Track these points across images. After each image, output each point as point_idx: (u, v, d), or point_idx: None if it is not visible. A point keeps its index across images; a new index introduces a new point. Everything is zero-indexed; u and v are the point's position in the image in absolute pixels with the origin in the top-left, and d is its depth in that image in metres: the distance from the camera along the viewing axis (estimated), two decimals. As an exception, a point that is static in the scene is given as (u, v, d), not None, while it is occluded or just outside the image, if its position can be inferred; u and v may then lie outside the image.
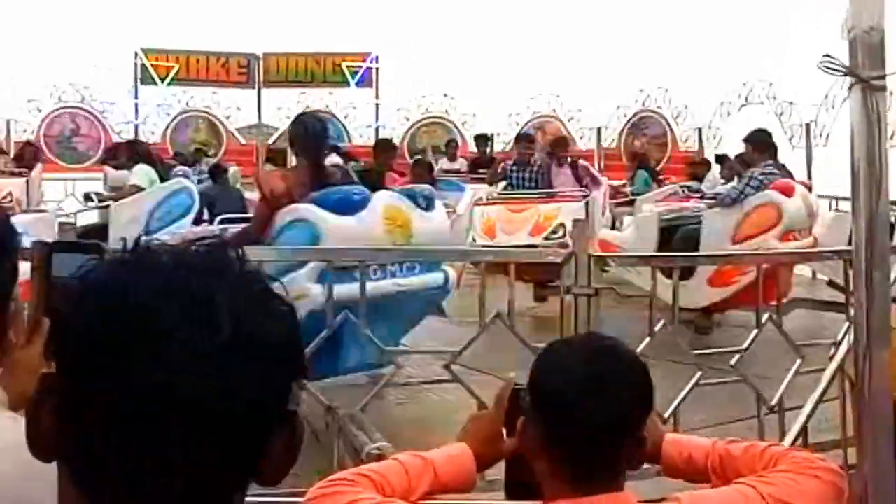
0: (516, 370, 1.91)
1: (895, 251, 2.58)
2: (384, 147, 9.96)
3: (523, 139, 11.47)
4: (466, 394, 4.01)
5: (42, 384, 0.83)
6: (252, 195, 9.13)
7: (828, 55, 2.07)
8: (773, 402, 4.23)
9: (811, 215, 7.93)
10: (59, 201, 11.55)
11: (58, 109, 17.30)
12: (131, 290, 0.79)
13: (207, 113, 17.84)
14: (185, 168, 10.85)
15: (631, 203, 11.21)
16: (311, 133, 5.60)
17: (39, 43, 19.27)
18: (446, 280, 5.54)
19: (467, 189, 10.20)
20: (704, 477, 1.84)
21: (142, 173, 8.33)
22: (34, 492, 1.04)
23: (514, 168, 10.45)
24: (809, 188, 8.75)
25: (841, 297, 5.32)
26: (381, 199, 5.51)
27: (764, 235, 7.53)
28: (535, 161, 10.43)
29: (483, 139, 15.26)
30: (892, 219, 3.29)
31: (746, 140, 8.31)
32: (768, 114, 16.01)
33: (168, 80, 17.47)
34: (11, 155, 14.31)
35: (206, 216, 9.86)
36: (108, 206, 8.12)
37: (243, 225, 5.76)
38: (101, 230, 7.42)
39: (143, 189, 8.21)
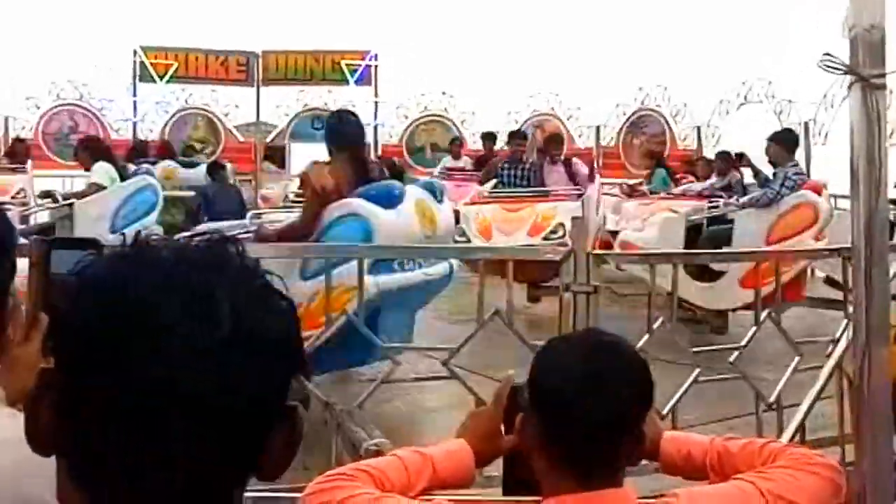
0: (514, 368, 1.91)
1: (894, 249, 2.59)
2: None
3: (516, 136, 11.29)
4: (464, 390, 4.02)
5: (41, 380, 0.83)
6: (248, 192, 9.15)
7: (828, 53, 2.07)
8: (772, 399, 4.23)
9: (832, 214, 7.92)
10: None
11: (56, 107, 17.28)
12: (131, 285, 0.79)
13: (206, 111, 17.83)
14: (149, 166, 10.80)
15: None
16: (352, 129, 5.76)
17: (38, 40, 19.26)
18: (451, 269, 5.77)
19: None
20: (703, 474, 1.84)
21: (102, 171, 8.23)
22: (33, 487, 1.04)
23: (507, 166, 10.37)
24: (825, 187, 8.74)
25: (839, 295, 5.32)
26: (414, 194, 5.73)
27: (800, 236, 7.46)
28: (527, 159, 10.35)
29: (491, 137, 15.00)
30: (892, 217, 3.30)
31: (773, 139, 8.25)
32: (767, 112, 16.00)
33: (167, 77, 17.43)
34: (2, 152, 14.36)
35: (203, 213, 9.85)
36: (72, 204, 8.04)
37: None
38: (48, 231, 7.41)
39: (104, 187, 8.13)
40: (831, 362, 3.73)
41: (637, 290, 6.57)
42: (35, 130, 16.90)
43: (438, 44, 19.42)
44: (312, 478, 1.70)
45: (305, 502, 1.66)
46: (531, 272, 7.17)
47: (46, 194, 9.76)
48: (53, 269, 1.20)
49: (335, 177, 5.37)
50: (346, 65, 17.79)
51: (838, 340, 3.84)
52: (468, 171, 13.50)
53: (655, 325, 4.07)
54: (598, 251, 4.40)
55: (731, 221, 8.14)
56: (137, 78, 17.36)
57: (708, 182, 11.41)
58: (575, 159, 10.71)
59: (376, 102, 17.69)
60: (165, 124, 17.50)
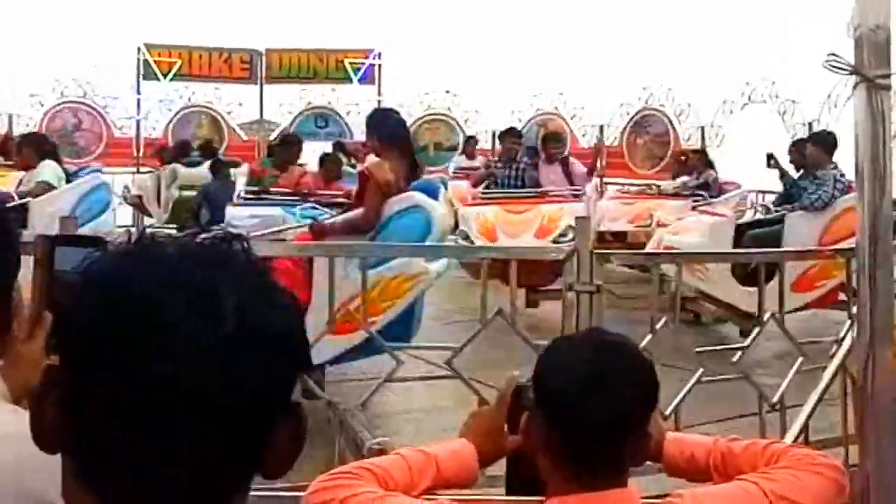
0: (517, 368, 1.91)
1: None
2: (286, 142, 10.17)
3: (510, 135, 10.68)
4: (468, 390, 4.01)
5: (45, 377, 0.82)
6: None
7: (833, 54, 2.07)
8: (775, 399, 4.22)
9: None
10: None
11: (60, 104, 17.29)
12: (135, 282, 0.79)
13: (209, 108, 17.82)
14: (97, 164, 10.79)
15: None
16: (401, 128, 6.05)
17: (42, 38, 19.24)
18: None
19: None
20: (706, 476, 1.83)
21: (48, 170, 8.07)
22: (36, 483, 1.04)
23: (500, 166, 10.17)
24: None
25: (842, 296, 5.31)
26: (442, 190, 6.12)
27: (851, 239, 7.42)
28: (521, 158, 10.11)
29: (516, 133, 14.61)
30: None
31: (813, 141, 8.27)
32: (771, 112, 15.98)
33: (170, 75, 17.44)
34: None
35: (205, 211, 9.84)
36: (25, 204, 7.72)
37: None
38: None
39: (53, 185, 7.94)
40: (835, 363, 3.72)
41: (638, 291, 6.57)
42: (39, 128, 16.90)
43: (442, 42, 19.40)
44: (315, 477, 1.69)
45: (308, 501, 1.66)
46: (530, 276, 7.15)
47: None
48: (57, 267, 1.20)
49: (396, 173, 5.58)
50: (350, 63, 17.81)
51: (842, 341, 3.83)
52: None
53: (658, 326, 4.07)
54: (601, 250, 4.39)
55: (774, 223, 8.10)
56: (141, 76, 17.36)
57: (680, 180, 11.26)
58: (572, 158, 10.55)
59: (379, 101, 17.66)
60: (169, 122, 17.51)
